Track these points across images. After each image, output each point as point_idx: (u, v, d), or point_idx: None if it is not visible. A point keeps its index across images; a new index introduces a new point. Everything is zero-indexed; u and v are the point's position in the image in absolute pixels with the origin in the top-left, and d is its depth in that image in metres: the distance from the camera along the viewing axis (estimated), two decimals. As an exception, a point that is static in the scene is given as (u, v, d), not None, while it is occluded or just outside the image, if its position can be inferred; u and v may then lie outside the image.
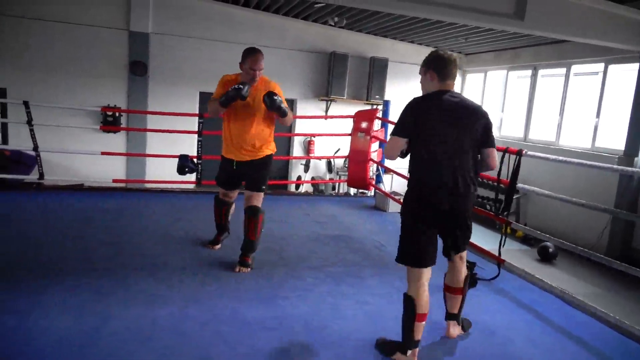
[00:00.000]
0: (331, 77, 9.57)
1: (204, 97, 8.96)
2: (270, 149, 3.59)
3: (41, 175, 5.36)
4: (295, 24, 9.39)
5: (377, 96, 9.83)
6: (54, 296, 2.82)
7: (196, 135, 6.00)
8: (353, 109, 7.87)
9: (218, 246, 3.88)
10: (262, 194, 3.54)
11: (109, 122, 8.44)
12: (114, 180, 6.23)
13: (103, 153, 5.89)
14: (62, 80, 8.15)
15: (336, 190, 9.55)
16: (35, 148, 5.33)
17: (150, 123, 8.05)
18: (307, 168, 9.77)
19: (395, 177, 7.18)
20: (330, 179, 9.63)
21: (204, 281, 3.23)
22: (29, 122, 5.26)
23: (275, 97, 3.24)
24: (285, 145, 9.88)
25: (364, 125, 6.05)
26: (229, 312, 2.82)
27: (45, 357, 2.24)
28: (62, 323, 2.52)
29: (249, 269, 3.45)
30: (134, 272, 3.28)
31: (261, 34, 8.99)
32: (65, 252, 3.58)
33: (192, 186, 6.88)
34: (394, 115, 7.61)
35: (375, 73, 9.87)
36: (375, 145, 6.21)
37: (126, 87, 8.60)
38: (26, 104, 5.27)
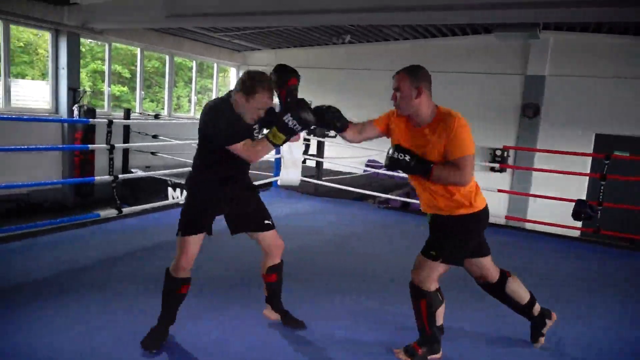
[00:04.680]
0: None
1: (600, 140, 8.33)
2: (464, 205, 2.33)
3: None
4: None
5: None
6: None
7: (586, 178, 5.66)
8: None
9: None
10: (430, 263, 2.34)
11: (497, 161, 8.99)
12: (507, 217, 6.52)
13: (500, 190, 6.33)
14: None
15: None
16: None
17: (537, 164, 8.15)
18: None
19: None
20: None
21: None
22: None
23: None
24: None
25: None
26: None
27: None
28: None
29: None
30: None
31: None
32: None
33: (576, 232, 6.49)
34: None
35: None
36: None
37: (515, 128, 8.98)
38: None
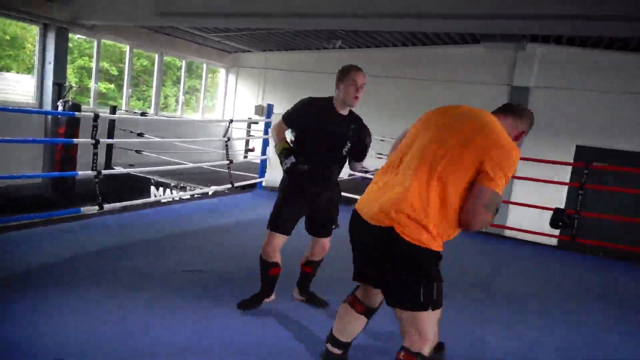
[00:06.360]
0: None
1: (581, 151, 8.51)
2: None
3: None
4: None
5: None
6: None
7: (565, 187, 5.77)
8: None
9: None
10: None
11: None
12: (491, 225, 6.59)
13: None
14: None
15: None
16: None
17: (518, 172, 8.28)
18: None
19: None
20: None
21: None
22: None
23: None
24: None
25: None
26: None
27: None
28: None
29: None
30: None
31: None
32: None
33: (554, 240, 6.61)
34: None
35: None
36: None
37: (499, 138, 9.14)
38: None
